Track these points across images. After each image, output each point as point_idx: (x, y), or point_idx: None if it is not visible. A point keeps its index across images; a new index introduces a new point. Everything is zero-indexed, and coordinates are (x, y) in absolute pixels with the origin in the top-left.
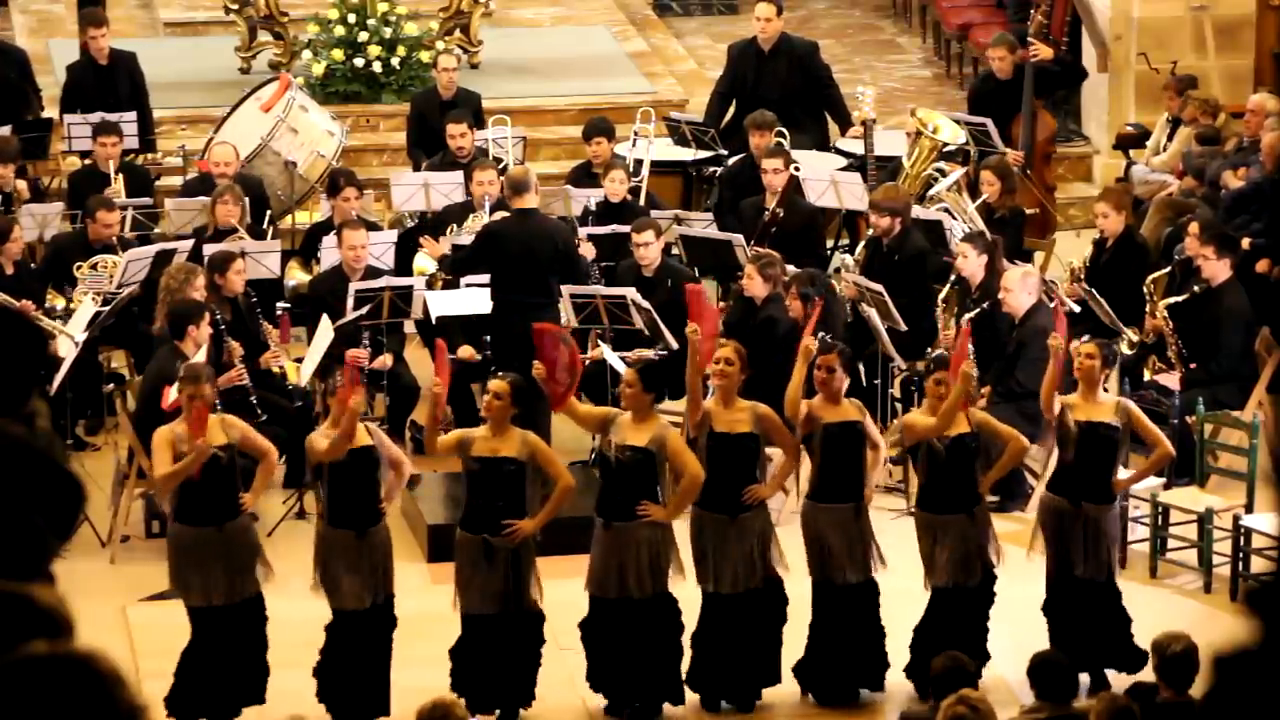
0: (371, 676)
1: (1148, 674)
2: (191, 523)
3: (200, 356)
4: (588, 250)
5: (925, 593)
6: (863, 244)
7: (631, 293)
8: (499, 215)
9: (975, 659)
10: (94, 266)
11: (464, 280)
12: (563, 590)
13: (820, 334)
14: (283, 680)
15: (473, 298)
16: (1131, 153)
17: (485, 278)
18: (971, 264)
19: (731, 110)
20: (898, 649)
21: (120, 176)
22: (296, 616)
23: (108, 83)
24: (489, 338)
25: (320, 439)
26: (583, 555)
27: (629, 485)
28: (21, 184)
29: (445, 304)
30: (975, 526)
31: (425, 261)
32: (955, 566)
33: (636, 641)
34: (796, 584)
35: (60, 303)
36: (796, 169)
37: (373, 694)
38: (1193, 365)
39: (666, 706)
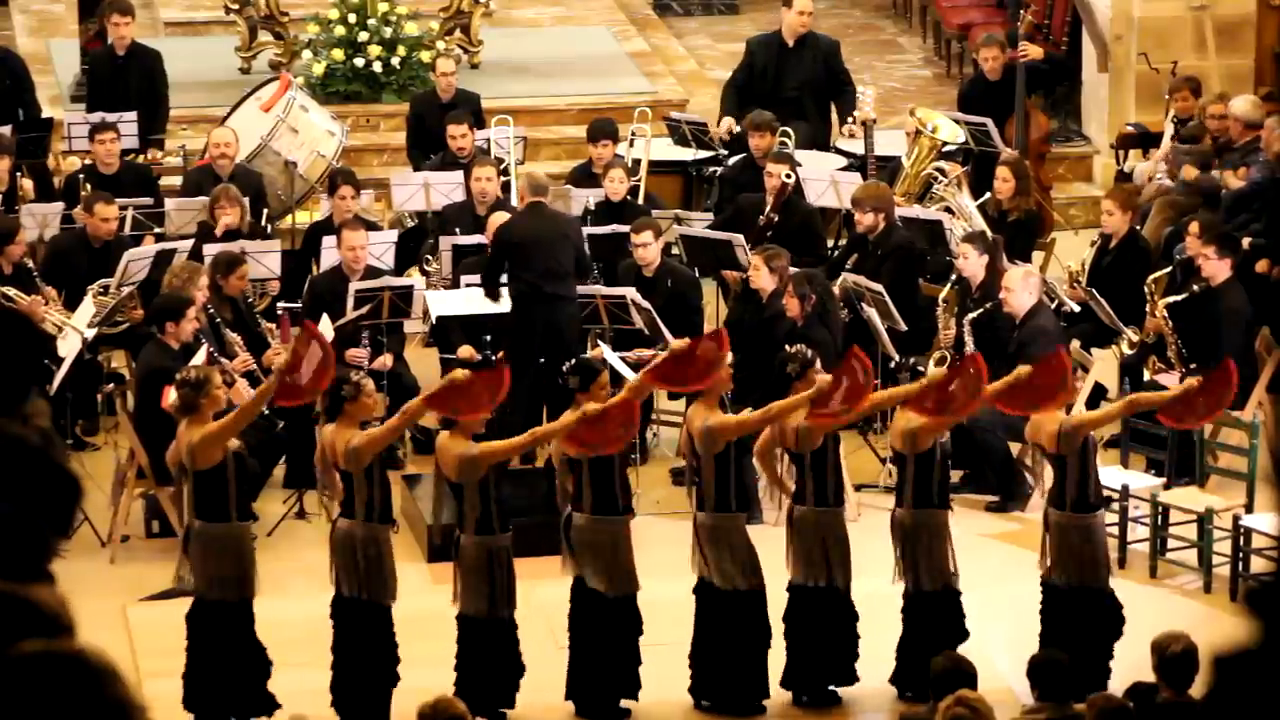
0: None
1: (1148, 674)
2: (217, 519)
3: (200, 356)
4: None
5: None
6: (846, 242)
7: (631, 293)
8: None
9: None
10: (104, 290)
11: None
12: (561, 590)
13: (793, 344)
14: (283, 680)
15: (473, 297)
16: (1120, 154)
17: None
18: (972, 264)
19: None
20: (882, 651)
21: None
22: (297, 616)
23: (120, 76)
24: (488, 337)
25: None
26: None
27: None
28: (28, 184)
29: (445, 304)
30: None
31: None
32: (951, 565)
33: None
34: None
35: (58, 309)
36: (788, 177)
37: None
38: (1193, 365)
39: (652, 706)
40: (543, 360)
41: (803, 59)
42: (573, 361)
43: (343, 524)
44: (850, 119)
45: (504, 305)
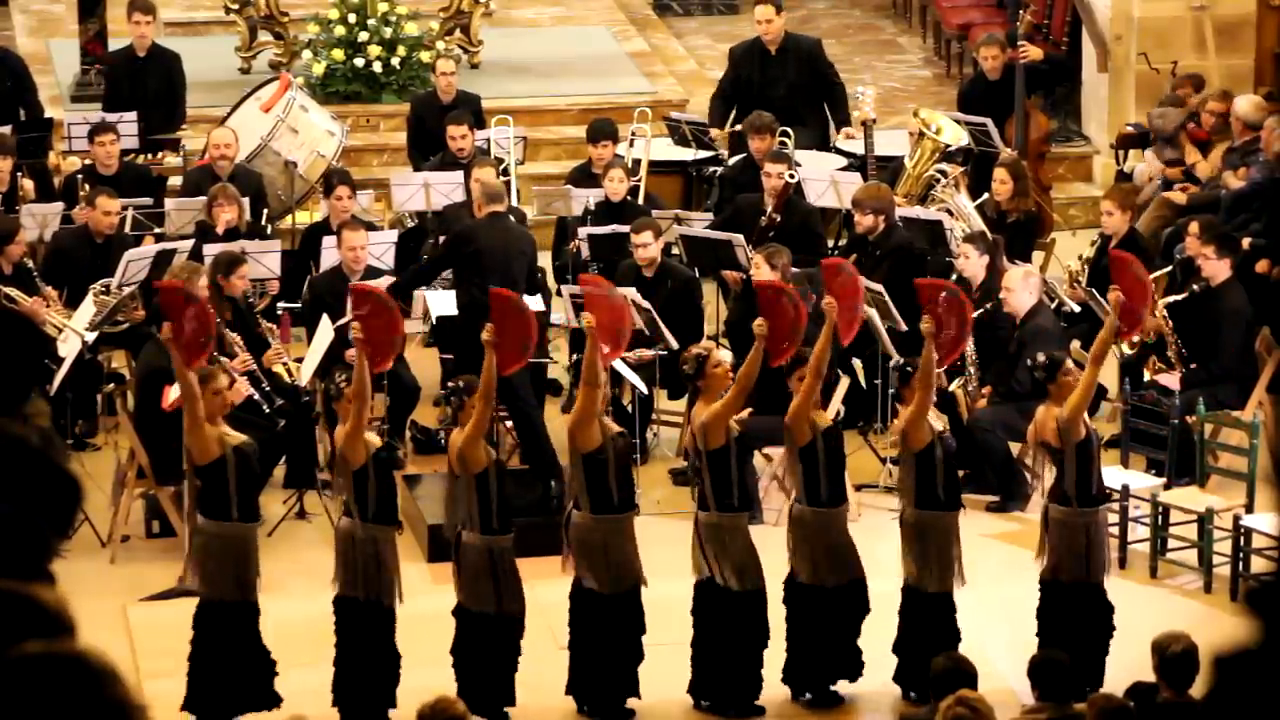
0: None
1: (1148, 674)
2: (219, 517)
3: None
4: (583, 251)
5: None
6: (845, 243)
7: (631, 293)
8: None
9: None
10: (105, 290)
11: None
12: (561, 590)
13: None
14: (284, 680)
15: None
16: (1120, 154)
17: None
18: (973, 264)
19: (733, 111)
20: (882, 651)
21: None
22: (297, 616)
23: (139, 77)
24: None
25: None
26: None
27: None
28: (28, 184)
29: (445, 304)
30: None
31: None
32: (956, 570)
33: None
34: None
35: (58, 310)
36: (792, 176)
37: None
38: (1193, 365)
39: (653, 705)
40: None
41: (786, 64)
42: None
43: (344, 524)
44: (849, 122)
45: (451, 308)
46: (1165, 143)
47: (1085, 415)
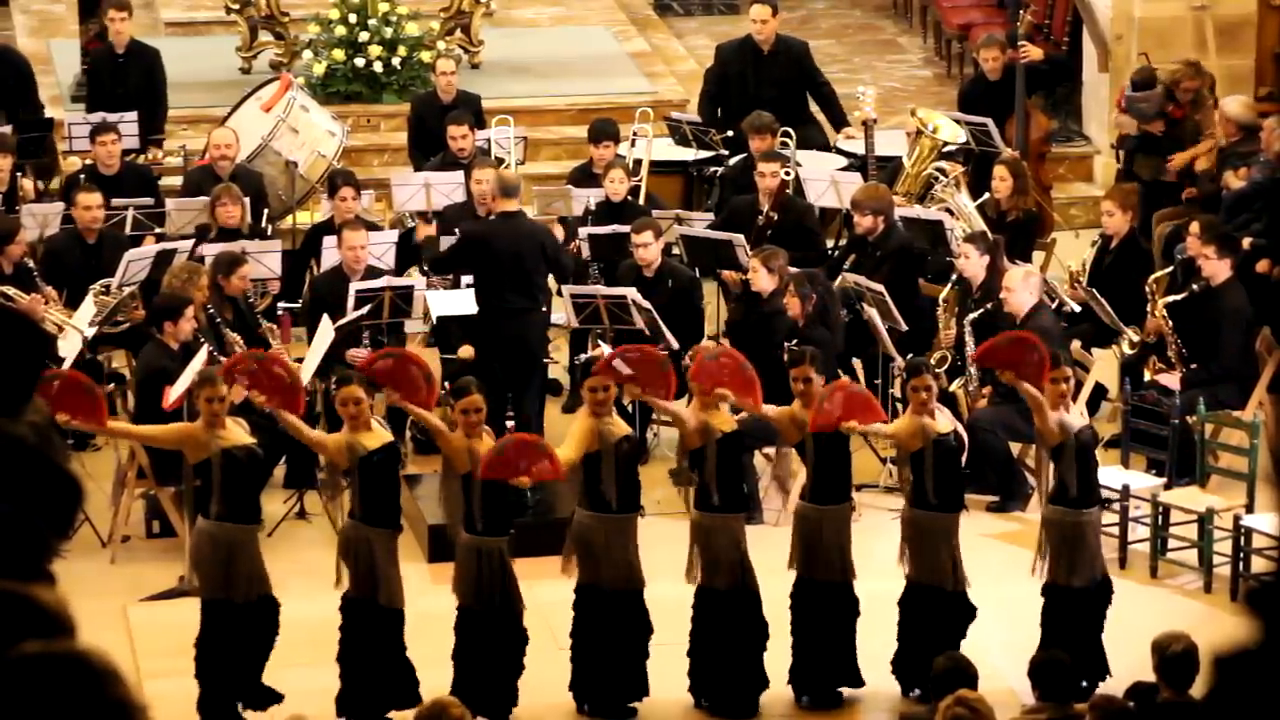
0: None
1: (1148, 674)
2: (206, 516)
3: (202, 356)
4: (583, 251)
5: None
6: (845, 243)
7: (632, 293)
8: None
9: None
10: (105, 289)
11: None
12: (561, 590)
13: (791, 343)
14: (284, 680)
15: (473, 298)
16: (1120, 154)
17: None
18: (973, 264)
19: (720, 111)
20: (882, 652)
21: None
22: (297, 616)
23: (120, 75)
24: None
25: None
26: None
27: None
28: (28, 184)
29: (445, 304)
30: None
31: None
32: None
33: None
34: (782, 584)
35: (58, 309)
36: (788, 174)
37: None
38: (1193, 365)
39: (653, 705)
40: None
41: (776, 65)
42: (581, 359)
43: (344, 524)
44: (844, 121)
45: (470, 307)
46: (1150, 120)
47: (1063, 418)
